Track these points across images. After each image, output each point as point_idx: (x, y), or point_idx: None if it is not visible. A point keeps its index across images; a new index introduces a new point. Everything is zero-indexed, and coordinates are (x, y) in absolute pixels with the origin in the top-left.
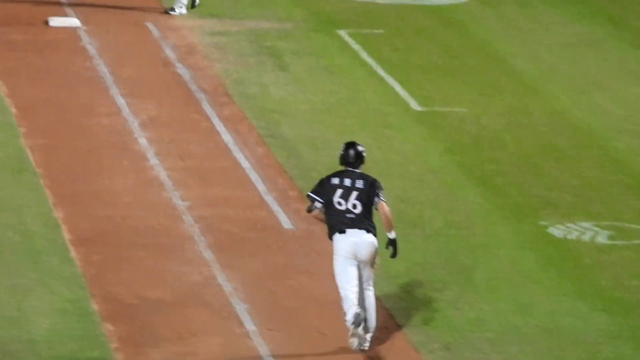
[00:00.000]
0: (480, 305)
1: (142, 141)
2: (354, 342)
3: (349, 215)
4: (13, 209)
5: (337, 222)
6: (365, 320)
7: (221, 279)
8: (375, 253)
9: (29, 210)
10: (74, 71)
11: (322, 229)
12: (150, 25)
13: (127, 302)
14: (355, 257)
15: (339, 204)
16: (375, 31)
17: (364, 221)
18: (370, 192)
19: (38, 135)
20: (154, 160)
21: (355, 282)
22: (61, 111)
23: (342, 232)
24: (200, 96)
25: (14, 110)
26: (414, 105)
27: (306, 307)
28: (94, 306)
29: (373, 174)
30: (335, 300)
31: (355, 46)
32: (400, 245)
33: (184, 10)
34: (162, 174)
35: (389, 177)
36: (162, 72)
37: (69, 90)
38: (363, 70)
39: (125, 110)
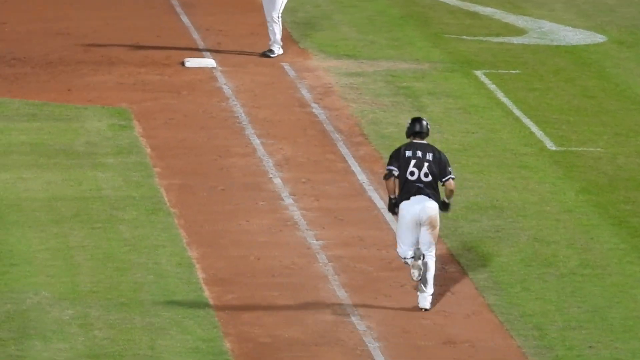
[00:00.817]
0: (615, 344)
1: (277, 181)
2: (415, 274)
3: (418, 184)
4: (148, 248)
5: (406, 191)
6: (426, 281)
7: (354, 318)
8: (437, 217)
9: (163, 250)
10: (210, 112)
11: (457, 269)
12: (286, 66)
13: (260, 341)
14: (419, 222)
15: (412, 173)
16: (512, 71)
17: (430, 189)
18: (441, 166)
19: (173, 175)
20: (288, 200)
21: (414, 245)
22: (196, 151)
23: (408, 199)
24: (336, 136)
25: (149, 150)
26: (549, 145)
27: (440, 347)
28: (227, 345)
29: (509, 213)
30: (470, 340)
31: (492, 86)
32: (535, 284)
33: (281, 51)
34: (297, 214)
35: (525, 217)
36: (298, 112)
37: (204, 130)
38: (499, 110)
39: (261, 151)
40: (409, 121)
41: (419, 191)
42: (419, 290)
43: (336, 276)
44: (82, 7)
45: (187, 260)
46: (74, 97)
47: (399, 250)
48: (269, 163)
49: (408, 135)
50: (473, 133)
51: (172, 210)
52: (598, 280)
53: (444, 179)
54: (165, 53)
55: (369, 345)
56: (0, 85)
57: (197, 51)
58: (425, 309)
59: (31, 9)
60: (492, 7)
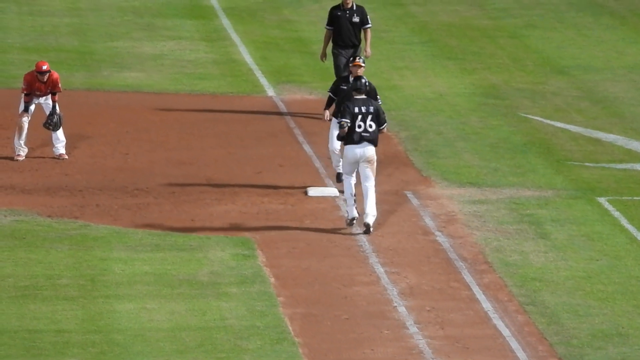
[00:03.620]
0: None
1: (402, 309)
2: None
3: (363, 134)
4: None
5: (352, 137)
6: (368, 205)
7: None
8: (374, 156)
9: None
10: (333, 240)
11: None
12: (409, 194)
13: None
14: (359, 160)
15: (359, 126)
16: (636, 198)
17: (370, 136)
18: (379, 118)
19: (297, 304)
20: (413, 329)
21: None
22: (320, 280)
23: (354, 143)
24: (460, 264)
25: (272, 279)
26: None
27: None
28: None
29: (635, 340)
30: None
31: (616, 213)
32: None
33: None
34: (422, 343)
35: None
36: (422, 240)
37: (328, 259)
38: (623, 237)
39: (385, 279)
40: (352, 80)
41: (362, 139)
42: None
43: None
44: (204, 137)
45: None
46: (197, 227)
47: (342, 170)
48: (393, 291)
49: (351, 90)
50: (597, 260)
51: (297, 339)
52: None
53: (381, 127)
54: (288, 182)
55: None
56: (124, 216)
57: (319, 180)
58: (368, 224)
59: (153, 138)
60: (614, 134)
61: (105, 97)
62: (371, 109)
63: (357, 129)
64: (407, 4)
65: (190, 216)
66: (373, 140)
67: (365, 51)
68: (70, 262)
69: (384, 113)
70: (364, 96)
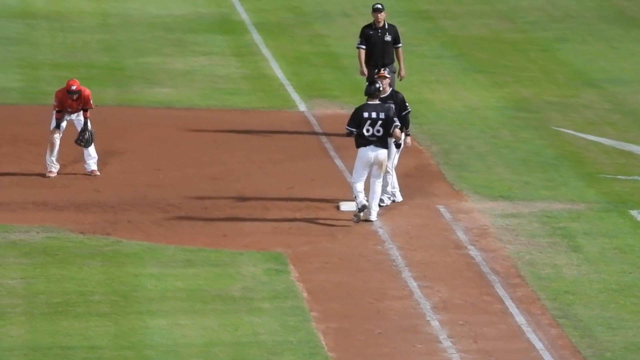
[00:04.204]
0: None
1: (435, 324)
2: (355, 219)
3: (371, 138)
4: None
5: (362, 141)
6: (372, 202)
7: None
8: (384, 160)
9: None
10: (365, 255)
11: None
12: (441, 208)
13: None
14: (371, 164)
15: (367, 130)
16: None
17: (379, 141)
18: (388, 123)
19: (329, 318)
20: (446, 343)
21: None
22: (352, 294)
23: (364, 146)
24: (493, 278)
25: (305, 294)
26: None
27: None
28: None
29: None
30: None
31: None
32: None
33: (388, 202)
34: (455, 357)
35: None
36: (454, 254)
37: (360, 273)
38: None
39: (417, 293)
40: (367, 84)
41: (370, 142)
42: (357, 217)
43: None
44: (235, 152)
45: None
46: (229, 243)
47: (353, 175)
48: (426, 305)
49: (365, 94)
50: (630, 273)
51: (330, 354)
52: None
53: (393, 129)
54: (320, 197)
55: None
56: (156, 232)
57: (351, 195)
58: (372, 220)
59: (184, 154)
60: None
61: (136, 113)
62: (382, 114)
63: (366, 133)
64: (437, 18)
65: (222, 231)
66: (382, 144)
67: (400, 73)
68: (103, 279)
69: (406, 115)
70: (376, 101)
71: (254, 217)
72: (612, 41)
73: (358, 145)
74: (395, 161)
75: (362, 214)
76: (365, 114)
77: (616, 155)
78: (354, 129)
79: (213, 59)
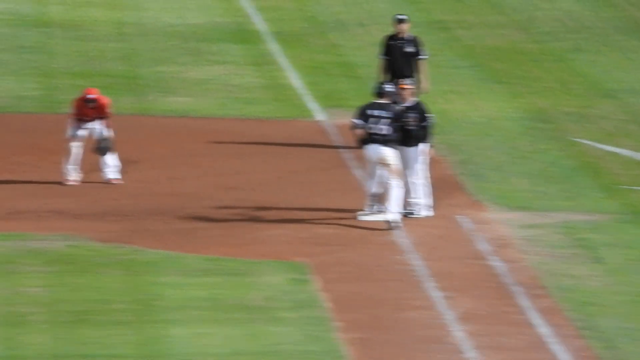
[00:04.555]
0: None
1: (457, 334)
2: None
3: (375, 136)
4: None
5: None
6: (390, 203)
7: None
8: (386, 157)
9: None
10: (386, 265)
11: None
12: (460, 219)
13: None
14: (376, 161)
15: (371, 128)
16: None
17: (383, 139)
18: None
19: (352, 328)
20: (469, 354)
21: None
22: (373, 305)
23: (370, 144)
24: (515, 289)
25: (327, 304)
26: None
27: None
28: None
29: None
30: None
31: None
32: None
33: (422, 212)
34: None
35: None
36: (475, 265)
37: (381, 283)
38: None
39: (439, 304)
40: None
41: (373, 140)
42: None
43: None
44: (252, 161)
45: None
46: (248, 252)
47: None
48: (448, 316)
49: (373, 93)
50: None
51: None
52: None
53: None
54: (339, 206)
55: None
56: (174, 241)
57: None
58: (388, 221)
59: (201, 163)
60: None
61: (152, 122)
62: (387, 114)
63: (369, 131)
64: (453, 28)
65: (240, 241)
66: (385, 143)
67: (422, 86)
68: (122, 287)
69: (426, 125)
70: (384, 101)
71: (272, 227)
72: (628, 52)
73: (363, 144)
74: (421, 173)
75: (374, 206)
76: (370, 111)
77: (634, 166)
78: (360, 121)
79: (228, 68)
